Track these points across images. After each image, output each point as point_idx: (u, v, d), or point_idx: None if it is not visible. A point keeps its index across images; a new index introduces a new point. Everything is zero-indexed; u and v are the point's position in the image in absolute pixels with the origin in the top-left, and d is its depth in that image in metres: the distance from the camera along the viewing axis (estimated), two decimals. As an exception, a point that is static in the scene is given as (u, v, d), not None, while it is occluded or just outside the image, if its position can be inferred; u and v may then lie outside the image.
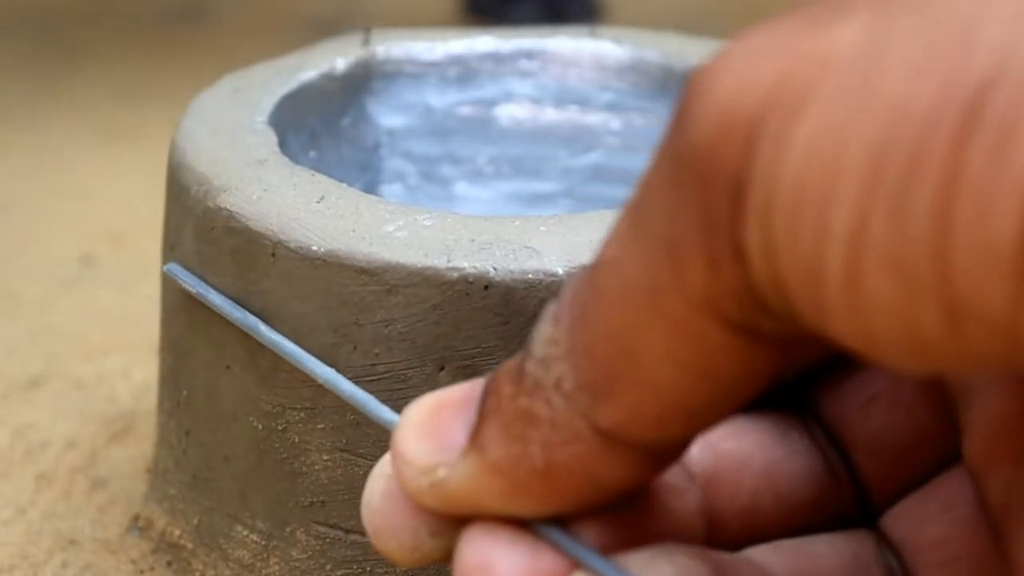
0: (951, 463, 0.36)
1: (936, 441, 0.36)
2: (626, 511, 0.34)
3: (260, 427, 0.54)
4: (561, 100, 0.68)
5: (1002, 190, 0.24)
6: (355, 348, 0.51)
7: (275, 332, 0.51)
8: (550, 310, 0.33)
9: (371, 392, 0.52)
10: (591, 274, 0.31)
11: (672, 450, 0.32)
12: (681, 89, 0.30)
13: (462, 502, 0.33)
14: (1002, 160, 0.24)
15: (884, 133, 0.25)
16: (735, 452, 0.36)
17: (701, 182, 0.28)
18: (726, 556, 0.35)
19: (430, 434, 0.34)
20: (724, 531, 0.36)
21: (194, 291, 0.54)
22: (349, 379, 0.48)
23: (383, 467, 0.36)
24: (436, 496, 0.34)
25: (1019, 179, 0.24)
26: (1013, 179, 0.24)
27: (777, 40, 0.28)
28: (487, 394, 0.32)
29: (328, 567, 0.54)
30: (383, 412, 0.42)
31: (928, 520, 0.36)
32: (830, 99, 0.26)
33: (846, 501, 0.37)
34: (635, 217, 0.30)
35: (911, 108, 0.25)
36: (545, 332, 0.32)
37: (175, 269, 0.55)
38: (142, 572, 0.59)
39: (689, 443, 0.33)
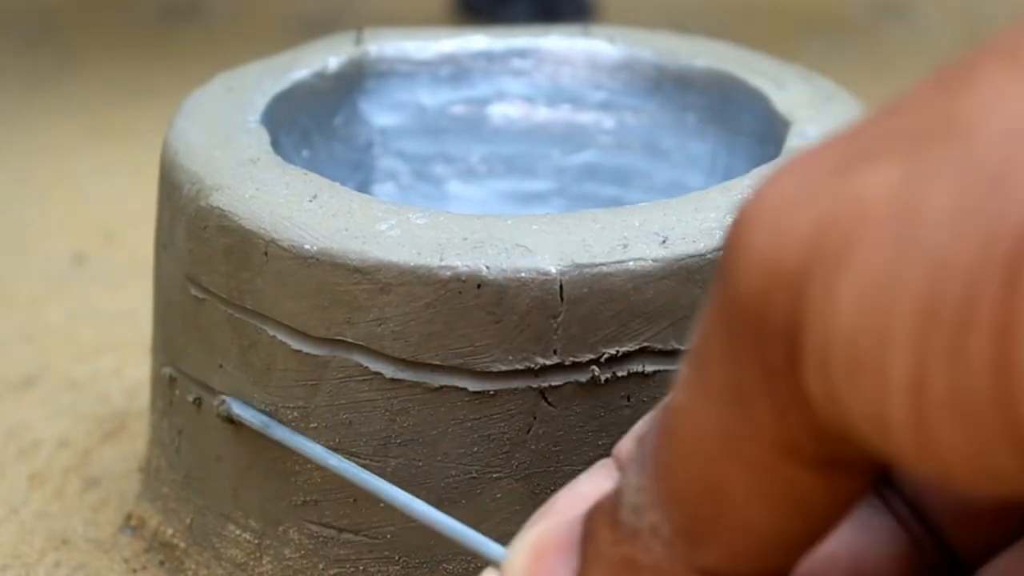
0: None
1: None
2: None
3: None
4: (554, 99, 0.68)
5: None
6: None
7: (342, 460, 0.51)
8: (633, 456, 0.33)
9: (364, 393, 0.52)
10: (664, 421, 0.32)
11: None
12: (723, 238, 0.29)
13: None
14: None
15: (931, 287, 0.26)
16: (819, 551, 0.35)
17: (755, 335, 0.29)
18: None
19: None
20: None
21: (259, 426, 0.53)
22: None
23: None
24: None
25: None
26: None
27: (809, 186, 0.28)
28: (586, 538, 0.33)
29: (321, 566, 0.54)
30: (488, 547, 0.42)
31: None
32: (872, 252, 0.27)
33: (936, 570, 0.37)
34: (697, 365, 0.30)
35: (954, 261, 0.25)
36: (632, 480, 0.32)
37: (235, 404, 0.54)
38: (135, 571, 0.59)
39: (790, 570, 0.32)
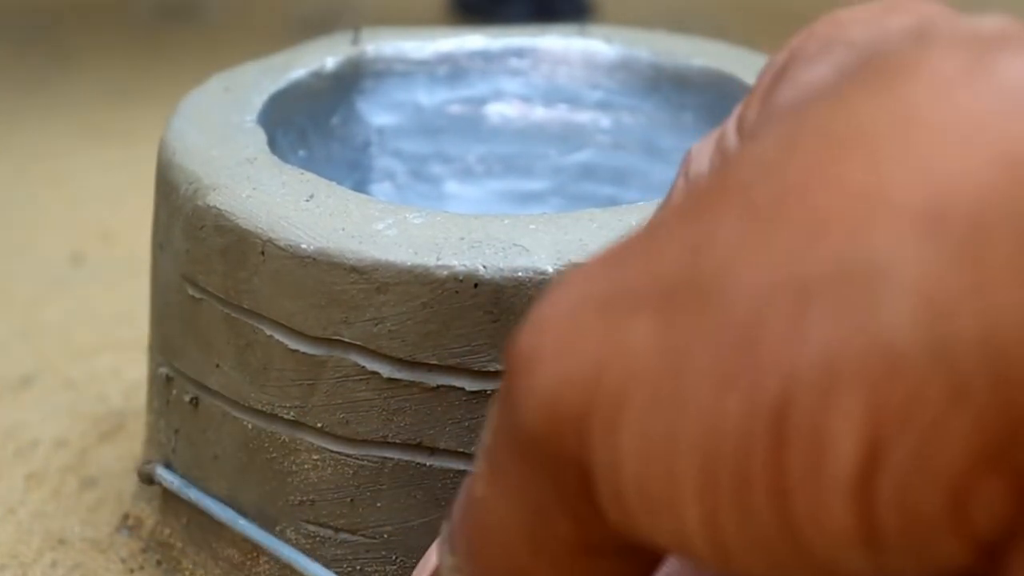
0: None
1: None
2: None
3: (250, 426, 0.54)
4: (551, 98, 0.68)
5: (829, 491, 0.25)
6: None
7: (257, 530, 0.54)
8: (444, 536, 0.34)
9: (361, 392, 0.52)
10: (470, 507, 0.32)
11: None
12: (505, 369, 0.30)
13: None
14: (820, 465, 0.25)
15: (706, 448, 0.26)
16: None
17: (545, 462, 0.29)
18: None
19: None
20: None
21: (184, 495, 0.56)
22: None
23: None
24: None
25: (840, 478, 0.25)
26: (835, 479, 0.25)
27: (581, 328, 0.28)
28: None
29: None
30: None
31: None
32: (645, 410, 0.27)
33: None
34: (493, 467, 0.31)
35: (723, 426, 0.26)
36: (447, 560, 0.33)
37: (164, 473, 0.58)
38: (132, 571, 0.59)
39: None
